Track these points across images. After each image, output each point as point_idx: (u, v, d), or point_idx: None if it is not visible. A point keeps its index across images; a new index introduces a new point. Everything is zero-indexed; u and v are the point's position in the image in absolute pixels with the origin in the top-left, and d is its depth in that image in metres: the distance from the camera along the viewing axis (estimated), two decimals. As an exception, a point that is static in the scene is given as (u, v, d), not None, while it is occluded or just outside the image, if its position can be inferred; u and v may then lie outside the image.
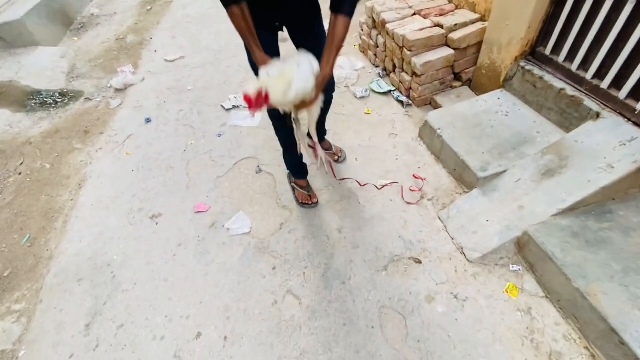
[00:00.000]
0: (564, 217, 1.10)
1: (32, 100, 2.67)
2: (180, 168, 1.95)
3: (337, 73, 2.41)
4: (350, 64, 2.48)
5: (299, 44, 1.23)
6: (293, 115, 1.13)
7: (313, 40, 1.21)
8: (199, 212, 1.70)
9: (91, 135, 2.31)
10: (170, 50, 3.15)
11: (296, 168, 1.60)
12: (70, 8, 4.13)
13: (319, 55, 1.02)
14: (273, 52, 1.16)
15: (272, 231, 1.56)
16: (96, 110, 2.55)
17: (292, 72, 0.91)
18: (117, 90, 2.73)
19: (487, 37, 1.74)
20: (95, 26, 3.93)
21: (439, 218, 1.48)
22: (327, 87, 1.24)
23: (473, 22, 1.86)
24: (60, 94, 2.74)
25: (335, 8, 0.96)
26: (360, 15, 2.71)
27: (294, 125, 1.17)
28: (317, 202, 1.62)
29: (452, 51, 1.83)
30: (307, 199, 1.61)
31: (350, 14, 0.96)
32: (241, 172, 1.87)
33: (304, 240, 1.51)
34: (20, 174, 2.07)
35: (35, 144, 2.28)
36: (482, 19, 1.86)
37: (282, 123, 1.31)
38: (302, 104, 1.00)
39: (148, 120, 2.34)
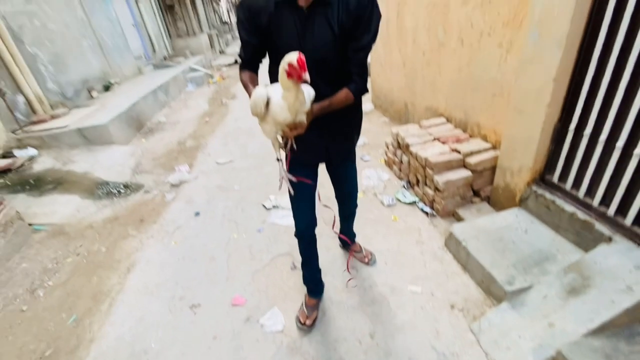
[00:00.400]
0: (595, 338, 1.13)
1: (100, 189, 3.10)
2: (221, 260, 2.12)
3: (365, 182, 2.75)
4: (377, 175, 2.83)
5: (332, 175, 1.55)
6: (280, 141, 1.17)
7: (343, 179, 1.55)
8: (235, 304, 1.79)
9: (145, 223, 2.60)
10: (222, 155, 3.69)
11: (311, 285, 1.67)
12: (144, 116, 5.04)
13: (345, 202, 1.57)
14: (310, 189, 1.40)
15: (304, 331, 1.61)
16: (152, 201, 2.92)
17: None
18: (173, 185, 3.15)
19: (499, 164, 2.03)
20: (161, 131, 4.71)
21: (471, 330, 1.51)
22: (350, 201, 1.66)
23: (486, 150, 2.20)
24: (124, 186, 3.18)
25: (350, 80, 1.15)
26: (386, 136, 3.21)
27: (280, 152, 1.20)
28: (309, 326, 1.58)
29: (470, 173, 2.13)
30: (302, 318, 1.60)
31: (355, 93, 1.15)
32: (277, 268, 2.01)
33: (336, 343, 1.54)
34: (78, 254, 2.30)
35: (96, 228, 2.58)
36: (494, 147, 2.21)
37: (306, 238, 1.49)
38: (292, 126, 1.03)
39: (197, 214, 2.64)
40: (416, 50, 3.11)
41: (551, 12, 1.50)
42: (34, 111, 4.14)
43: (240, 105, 5.72)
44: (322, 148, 1.32)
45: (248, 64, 1.21)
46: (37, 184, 3.04)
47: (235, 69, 10.14)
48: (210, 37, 13.25)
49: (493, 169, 2.11)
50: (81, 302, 1.90)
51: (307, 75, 0.86)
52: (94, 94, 5.44)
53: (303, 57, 0.85)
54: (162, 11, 10.15)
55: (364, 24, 1.04)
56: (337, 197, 1.67)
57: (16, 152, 3.48)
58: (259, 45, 1.15)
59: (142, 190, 3.12)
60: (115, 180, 3.26)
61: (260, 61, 1.24)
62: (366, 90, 1.20)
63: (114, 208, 2.85)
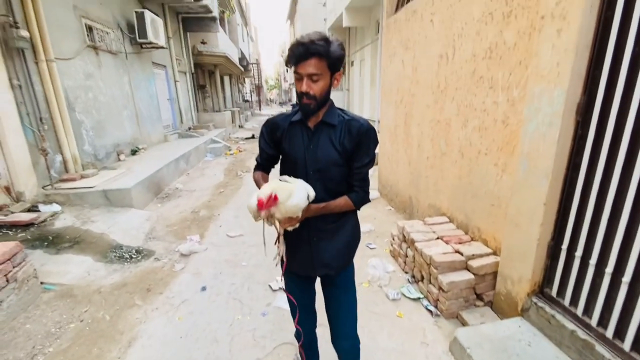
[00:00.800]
0: None
1: (113, 252, 3.20)
2: (224, 343, 2.11)
3: (371, 272, 2.83)
4: (382, 266, 2.92)
5: (328, 295, 1.42)
6: (278, 230, 1.24)
7: (342, 294, 1.40)
8: (234, 395, 1.74)
9: (152, 294, 2.63)
10: (233, 228, 3.85)
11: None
12: (163, 182, 5.36)
13: (346, 313, 1.38)
14: (308, 301, 1.46)
15: None
16: (161, 270, 2.98)
17: (293, 187, 1.12)
18: (183, 255, 3.24)
19: (500, 271, 2.16)
20: (177, 198, 4.97)
21: None
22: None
23: (487, 255, 2.34)
24: (136, 251, 3.28)
25: (351, 191, 1.27)
26: (391, 225, 3.39)
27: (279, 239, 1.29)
28: None
29: (472, 276, 2.24)
30: None
31: (356, 202, 1.26)
32: (279, 358, 1.99)
33: None
34: (82, 321, 2.30)
35: (104, 293, 2.61)
36: (495, 253, 2.35)
37: (306, 342, 1.51)
38: (289, 220, 1.14)
39: (203, 289, 2.68)
40: (420, 153, 3.50)
41: (537, 149, 1.81)
42: (66, 170, 4.47)
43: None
44: (309, 251, 1.31)
45: (262, 166, 1.43)
46: (55, 241, 3.15)
47: (251, 143, 10.94)
48: (232, 113, 14.56)
49: (495, 274, 2.23)
50: (125, 336, 1.86)
51: (263, 214, 1.07)
52: (122, 157, 5.88)
53: (263, 198, 1.05)
54: (195, 89, 11.44)
55: (363, 148, 1.22)
56: (334, 346, 1.46)
57: (41, 207, 3.68)
58: (273, 154, 1.38)
59: (152, 257, 3.20)
60: (128, 244, 3.37)
61: (273, 166, 1.46)
62: (367, 200, 1.31)
63: (123, 274, 2.90)
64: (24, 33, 3.71)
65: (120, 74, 6.20)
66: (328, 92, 1.18)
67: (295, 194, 1.10)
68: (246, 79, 30.72)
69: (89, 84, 5.17)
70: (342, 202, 1.26)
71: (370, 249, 3.32)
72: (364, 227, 3.73)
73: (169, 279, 2.84)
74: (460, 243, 2.54)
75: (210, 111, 13.19)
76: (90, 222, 3.62)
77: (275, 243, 1.30)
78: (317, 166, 1.23)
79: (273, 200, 1.06)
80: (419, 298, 2.50)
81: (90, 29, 5.25)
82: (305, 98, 1.14)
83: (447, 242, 2.58)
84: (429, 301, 2.44)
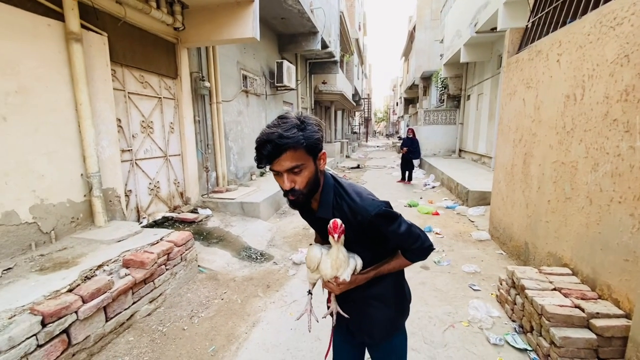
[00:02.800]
0: None
1: (244, 252, 3.99)
2: (324, 343, 2.43)
3: (472, 312, 2.75)
4: (486, 309, 2.80)
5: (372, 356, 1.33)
6: (316, 286, 1.31)
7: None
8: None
9: (270, 290, 3.20)
10: (337, 247, 4.26)
11: None
12: (281, 200, 6.27)
13: None
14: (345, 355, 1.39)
15: None
16: (278, 272, 3.57)
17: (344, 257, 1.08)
18: (295, 263, 3.79)
19: (632, 336, 1.87)
20: (291, 215, 5.74)
21: None
22: None
23: (617, 317, 2.05)
24: (260, 254, 4.00)
25: (402, 251, 1.16)
26: (500, 270, 3.20)
27: (310, 294, 1.40)
28: None
29: (595, 336, 1.99)
30: None
31: (413, 260, 1.15)
32: None
33: None
34: (222, 299, 3.00)
35: (237, 282, 3.31)
36: (627, 316, 2.04)
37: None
38: (334, 280, 1.10)
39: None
40: (541, 196, 3.25)
41: (684, 201, 1.61)
42: (218, 184, 5.78)
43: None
44: (348, 313, 1.25)
45: None
46: (207, 237, 4.15)
47: (356, 172, 11.52)
48: (341, 144, 15.68)
49: (625, 339, 1.93)
50: (219, 338, 2.47)
51: (335, 237, 1.01)
52: (254, 177, 7.17)
53: (337, 222, 1.01)
54: (312, 122, 12.93)
55: (379, 234, 1.09)
56: None
57: (200, 210, 4.88)
58: None
59: (272, 261, 3.85)
60: (255, 247, 4.15)
61: None
62: (427, 249, 1.14)
63: (250, 269, 3.61)
64: (207, 84, 5.17)
65: (260, 111, 7.69)
66: (316, 179, 1.04)
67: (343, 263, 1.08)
68: (356, 112, 32.57)
69: (239, 119, 6.63)
70: (397, 264, 1.16)
71: (474, 290, 3.20)
72: (468, 267, 3.61)
73: (284, 280, 3.39)
74: (583, 299, 2.28)
75: (323, 142, 14.56)
76: (230, 226, 4.59)
77: (328, 301, 1.33)
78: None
79: (342, 230, 1.01)
80: (527, 350, 2.32)
81: (245, 77, 6.80)
82: (291, 195, 1.02)
83: (565, 295, 2.35)
84: (537, 355, 2.24)
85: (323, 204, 1.09)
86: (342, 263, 1.06)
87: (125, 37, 3.72)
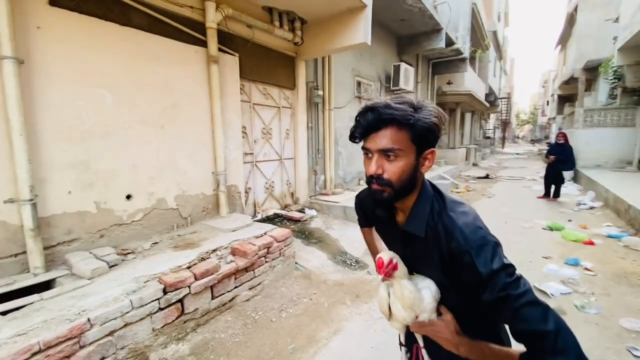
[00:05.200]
0: None
1: (340, 256, 4.01)
2: (406, 372, 2.17)
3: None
4: (653, 391, 1.94)
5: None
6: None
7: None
8: None
9: (359, 300, 3.09)
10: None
11: None
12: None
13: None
14: None
15: None
16: (370, 283, 3.43)
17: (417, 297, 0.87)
18: (389, 276, 3.56)
19: None
20: (396, 225, 5.45)
21: None
22: None
23: None
24: (355, 261, 3.94)
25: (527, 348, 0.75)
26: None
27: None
28: None
29: None
30: None
31: None
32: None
33: None
34: (311, 299, 3.08)
35: (328, 285, 3.35)
36: None
37: None
38: (417, 323, 0.90)
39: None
40: None
41: None
42: (325, 187, 6.05)
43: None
44: None
45: (365, 225, 1.36)
46: (308, 236, 4.36)
47: (483, 183, 10.07)
48: (467, 150, 14.03)
49: None
50: (300, 337, 2.53)
51: (384, 277, 0.86)
52: (361, 182, 7.17)
53: (382, 260, 0.86)
54: (433, 126, 12.03)
55: (472, 281, 0.78)
56: None
57: (307, 210, 5.19)
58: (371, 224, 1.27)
59: (365, 270, 3.74)
60: (352, 253, 4.12)
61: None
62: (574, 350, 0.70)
63: (343, 275, 3.59)
64: (320, 92, 5.46)
65: (373, 115, 7.64)
66: (412, 178, 0.83)
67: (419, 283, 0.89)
68: (491, 115, 28.57)
69: (350, 124, 6.71)
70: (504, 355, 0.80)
71: (635, 356, 2.28)
72: (630, 322, 2.61)
73: (374, 293, 3.22)
74: None
75: (444, 148, 13.37)
76: (331, 228, 4.71)
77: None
78: (411, 263, 0.93)
79: (392, 267, 0.86)
80: None
81: (359, 84, 6.88)
82: (375, 183, 0.83)
83: None
84: None
85: (415, 216, 0.86)
86: (412, 300, 0.86)
87: (252, 56, 4.30)
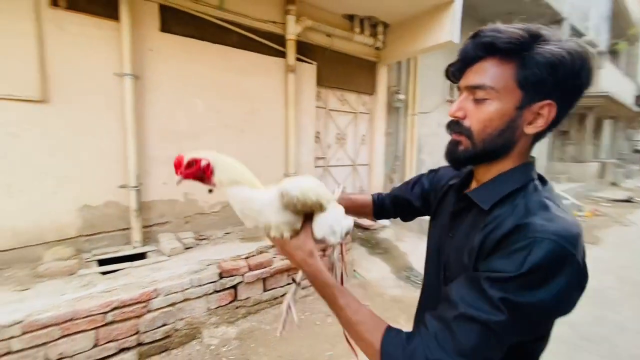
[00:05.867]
0: None
1: (404, 271, 3.73)
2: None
3: None
4: None
5: None
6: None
7: None
8: None
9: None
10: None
11: None
12: (475, 226, 5.33)
13: None
14: None
15: None
16: (432, 305, 3.08)
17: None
18: (458, 302, 3.13)
19: None
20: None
21: None
22: None
23: None
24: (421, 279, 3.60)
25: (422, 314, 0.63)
26: None
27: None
28: None
29: None
30: None
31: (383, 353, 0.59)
32: None
33: None
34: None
35: (384, 299, 3.15)
36: None
37: None
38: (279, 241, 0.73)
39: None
40: None
41: None
42: (402, 196, 5.72)
43: (605, 256, 4.45)
44: None
45: (379, 197, 1.09)
46: (374, 245, 4.20)
47: (621, 208, 7.95)
48: (603, 165, 11.30)
49: None
50: (340, 346, 2.44)
51: (177, 179, 0.72)
52: (448, 194, 6.52)
53: (183, 158, 0.70)
54: (552, 135, 10.12)
55: (505, 254, 0.54)
56: None
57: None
58: (408, 201, 1.00)
59: (431, 291, 3.37)
60: (419, 270, 3.77)
61: (398, 213, 1.07)
62: None
63: (403, 291, 3.32)
64: (402, 97, 5.23)
65: (467, 122, 6.90)
66: (504, 135, 0.61)
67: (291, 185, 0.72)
68: (647, 123, 22.21)
69: (438, 131, 6.24)
70: (369, 321, 0.65)
71: None
72: None
73: (434, 317, 2.88)
74: None
75: (567, 161, 11.06)
76: (400, 241, 4.43)
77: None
78: (447, 272, 0.71)
79: (197, 169, 0.71)
80: None
81: (451, 86, 6.31)
82: (453, 131, 0.66)
83: None
84: None
85: (490, 186, 0.65)
86: (246, 214, 0.75)
87: (330, 63, 4.43)
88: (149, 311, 2.23)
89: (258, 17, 3.64)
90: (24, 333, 1.80)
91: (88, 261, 2.61)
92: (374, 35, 4.71)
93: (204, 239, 3.24)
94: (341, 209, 0.86)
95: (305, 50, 4.10)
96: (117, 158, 2.90)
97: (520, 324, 0.53)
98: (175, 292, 2.33)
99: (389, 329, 0.63)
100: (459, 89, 0.67)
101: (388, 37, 4.80)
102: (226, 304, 2.61)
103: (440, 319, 0.57)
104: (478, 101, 0.62)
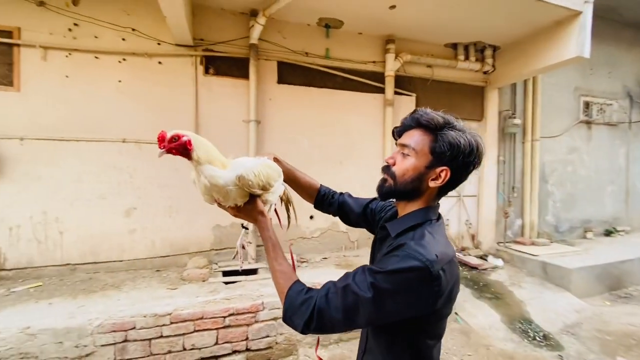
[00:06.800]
0: None
1: (520, 323, 3.20)
2: None
3: None
4: None
5: None
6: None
7: None
8: None
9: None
10: None
11: None
12: (627, 278, 4.18)
13: None
14: None
15: None
16: (556, 371, 2.54)
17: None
18: None
19: None
20: (635, 304, 3.68)
21: None
22: None
23: None
24: (543, 336, 3.04)
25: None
26: None
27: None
28: None
29: None
30: None
31: (287, 300, 0.84)
32: None
33: None
34: (462, 359, 2.68)
35: (490, 353, 2.78)
36: None
37: None
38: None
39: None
40: None
41: None
42: (522, 234, 4.96)
43: None
44: None
45: (336, 197, 1.27)
46: (482, 288, 3.75)
47: None
48: None
49: None
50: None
51: (159, 152, 0.84)
52: (589, 235, 5.31)
53: (166, 133, 0.83)
54: None
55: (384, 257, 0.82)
56: None
57: (490, 258, 4.46)
58: (352, 208, 1.22)
59: (557, 353, 2.79)
60: (540, 325, 3.18)
61: (339, 214, 1.28)
62: (300, 317, 0.80)
63: (517, 347, 2.85)
64: (517, 121, 4.67)
65: (614, 145, 5.59)
66: (414, 184, 0.85)
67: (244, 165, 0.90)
68: None
69: (570, 157, 5.26)
70: (285, 273, 0.91)
71: None
72: None
73: (557, 386, 2.38)
74: None
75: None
76: (516, 286, 3.83)
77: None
78: None
79: (179, 145, 0.84)
80: None
81: (587, 105, 5.29)
82: (385, 172, 0.89)
83: None
84: None
85: (400, 221, 0.89)
86: (211, 188, 0.89)
87: (430, 93, 4.38)
88: (256, 321, 2.58)
89: (359, 60, 3.97)
90: (171, 323, 2.36)
91: (216, 271, 3.21)
92: (480, 60, 4.46)
93: (304, 261, 3.56)
94: (281, 179, 1.06)
95: (404, 83, 4.19)
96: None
97: (379, 304, 0.74)
98: (277, 308, 2.64)
99: (298, 281, 0.87)
100: (396, 144, 0.91)
101: (498, 59, 4.46)
102: (320, 327, 2.78)
103: (334, 285, 0.80)
104: (404, 155, 0.86)
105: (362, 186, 4.04)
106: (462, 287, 3.68)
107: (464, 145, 0.80)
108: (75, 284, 2.87)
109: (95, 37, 3.08)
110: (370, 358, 0.91)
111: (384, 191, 0.89)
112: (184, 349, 2.39)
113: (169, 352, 2.37)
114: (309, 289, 0.83)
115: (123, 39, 3.15)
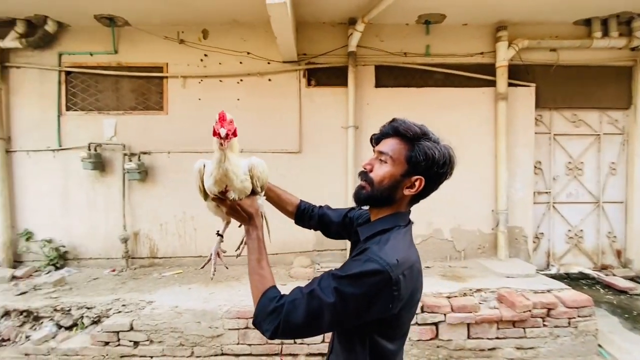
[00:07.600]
0: None
1: None
2: None
3: None
4: None
5: None
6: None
7: None
8: None
9: None
10: None
11: None
12: None
13: None
14: None
15: None
16: None
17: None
18: None
19: None
20: None
21: None
22: None
23: None
24: None
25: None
26: None
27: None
28: None
29: None
30: None
31: (259, 305, 0.85)
32: None
33: None
34: None
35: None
36: None
37: None
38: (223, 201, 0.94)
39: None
40: None
41: None
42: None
43: None
44: None
45: (317, 207, 1.26)
46: (635, 318, 2.99)
47: None
48: None
49: None
50: None
51: (222, 131, 0.81)
52: None
53: (223, 114, 0.83)
54: None
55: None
56: None
57: (645, 280, 3.53)
58: (332, 219, 1.21)
59: None
60: None
61: (320, 228, 1.26)
62: (273, 322, 0.80)
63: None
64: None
65: None
66: (390, 191, 0.88)
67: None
68: None
69: None
70: (265, 269, 0.94)
71: None
72: None
73: None
74: None
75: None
76: (693, 321, 2.92)
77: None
78: None
79: (233, 132, 0.84)
80: None
81: None
82: (363, 178, 0.92)
83: None
84: None
85: (372, 225, 0.93)
86: (229, 175, 0.87)
87: (555, 80, 3.73)
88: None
89: (464, 53, 3.67)
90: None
91: (318, 271, 3.36)
92: (627, 34, 3.60)
93: (406, 269, 3.43)
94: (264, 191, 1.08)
95: (520, 73, 3.69)
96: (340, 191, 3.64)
97: (342, 308, 0.76)
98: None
99: (274, 287, 0.87)
100: (374, 151, 0.93)
101: (653, 30, 3.53)
102: (427, 340, 2.63)
103: (301, 291, 0.81)
104: (381, 162, 0.89)
105: (469, 191, 3.70)
106: (607, 315, 3.02)
107: (438, 156, 0.84)
108: (206, 274, 3.38)
109: (220, 63, 3.62)
110: (334, 358, 0.95)
111: (362, 197, 0.92)
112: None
113: (282, 343, 2.58)
114: (282, 296, 0.84)
115: (240, 62, 3.61)
